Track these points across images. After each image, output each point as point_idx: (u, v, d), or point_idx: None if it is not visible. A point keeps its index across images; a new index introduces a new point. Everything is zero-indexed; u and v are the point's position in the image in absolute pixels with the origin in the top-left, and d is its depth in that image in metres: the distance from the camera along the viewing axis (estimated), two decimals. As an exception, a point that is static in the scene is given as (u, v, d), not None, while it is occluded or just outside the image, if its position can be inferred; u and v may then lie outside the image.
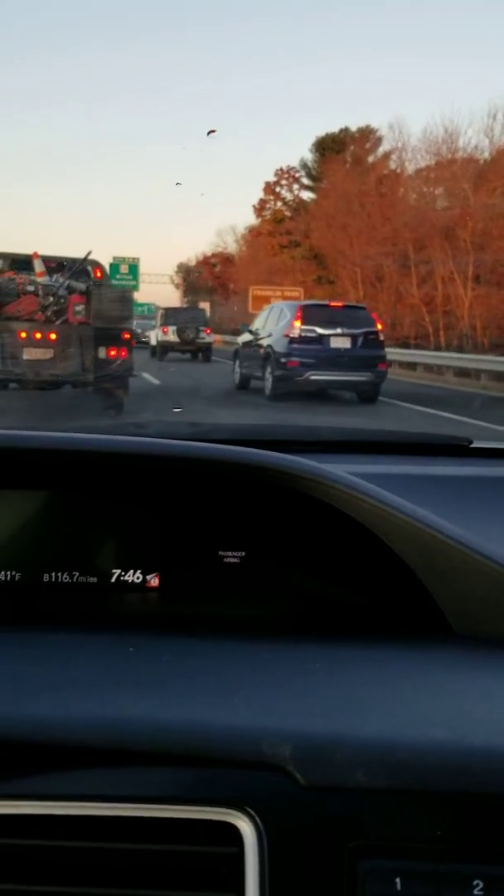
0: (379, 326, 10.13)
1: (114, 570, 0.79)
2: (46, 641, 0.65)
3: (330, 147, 37.67)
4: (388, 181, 30.58)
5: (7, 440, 0.69)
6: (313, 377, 9.39)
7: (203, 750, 0.53)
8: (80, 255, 7.37)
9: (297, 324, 9.61)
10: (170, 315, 21.35)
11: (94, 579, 0.78)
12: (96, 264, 7.63)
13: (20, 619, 0.72)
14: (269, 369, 9.70)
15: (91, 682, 0.58)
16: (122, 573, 0.79)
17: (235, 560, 0.80)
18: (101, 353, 6.79)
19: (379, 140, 34.81)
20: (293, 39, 57.43)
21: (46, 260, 7.33)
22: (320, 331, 9.59)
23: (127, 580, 0.79)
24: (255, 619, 0.73)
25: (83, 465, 0.72)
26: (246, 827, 0.51)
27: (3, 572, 0.78)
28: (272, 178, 42.17)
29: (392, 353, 19.19)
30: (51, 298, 7.00)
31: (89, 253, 7.38)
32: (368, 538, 0.70)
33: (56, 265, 7.39)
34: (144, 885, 0.51)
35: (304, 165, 39.82)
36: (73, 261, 7.43)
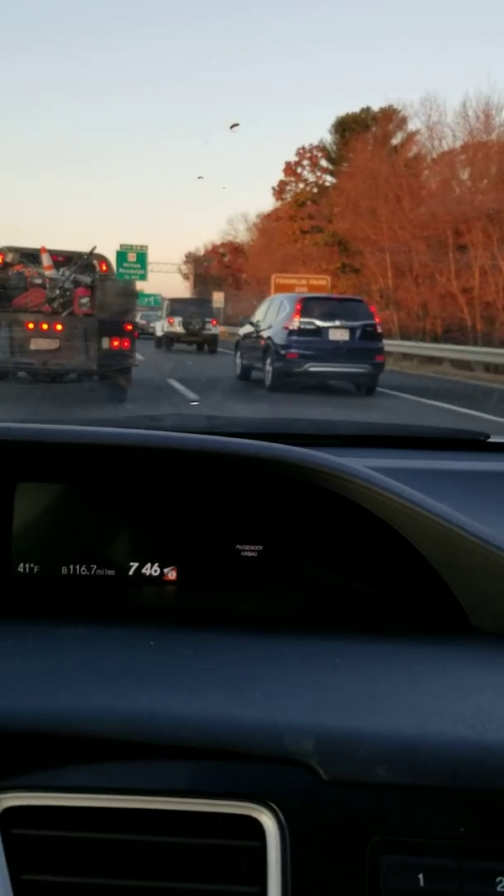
0: (377, 319, 10.69)
1: (132, 563, 0.82)
2: (69, 635, 0.68)
3: (351, 128, 36.52)
4: (417, 162, 29.18)
5: (26, 434, 0.73)
6: (312, 369, 9.86)
7: (226, 744, 0.55)
8: (87, 245, 8.08)
9: (297, 316, 10.09)
10: (176, 306, 21.96)
11: (111, 572, 0.82)
12: (101, 258, 8.30)
13: (40, 612, 0.75)
14: (269, 361, 10.19)
15: (114, 675, 0.61)
16: (140, 566, 0.82)
17: (253, 554, 0.82)
18: (105, 343, 7.45)
19: (403, 120, 33.84)
20: (308, 23, 57.93)
21: (54, 254, 8.02)
22: (319, 323, 10.05)
23: (145, 573, 0.82)
24: (273, 613, 0.76)
25: (102, 458, 0.76)
26: (268, 821, 0.54)
27: (22, 564, 0.82)
28: (293, 159, 41.10)
29: (419, 347, 18.57)
30: (57, 291, 7.67)
31: (94, 248, 8.08)
32: (387, 533, 0.73)
33: (63, 259, 8.07)
34: (166, 876, 0.54)
35: (324, 148, 39.41)
36: (80, 255, 8.11)
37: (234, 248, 56.92)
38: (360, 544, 0.78)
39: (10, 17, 55.90)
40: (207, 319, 21.17)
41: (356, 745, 0.55)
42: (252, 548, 0.82)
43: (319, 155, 40.37)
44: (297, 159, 41.28)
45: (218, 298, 37.47)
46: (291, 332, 10.03)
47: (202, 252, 58.26)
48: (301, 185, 41.45)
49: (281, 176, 42.23)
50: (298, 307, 10.23)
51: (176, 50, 62.83)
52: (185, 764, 0.55)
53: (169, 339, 21.08)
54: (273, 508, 0.82)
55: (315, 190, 40.35)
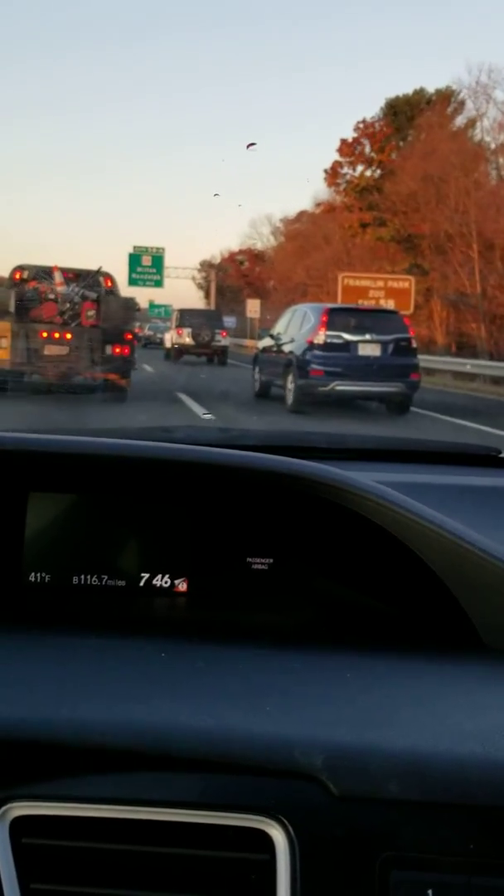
0: (411, 332, 10.52)
1: (142, 574, 0.90)
2: (81, 646, 0.75)
3: (403, 111, 35.05)
4: (481, 149, 27.44)
5: (40, 444, 0.81)
6: (339, 387, 9.69)
7: (237, 757, 0.61)
8: (99, 258, 10.41)
9: (322, 329, 9.84)
10: (185, 316, 23.80)
11: (122, 583, 0.90)
12: (106, 275, 10.52)
13: (52, 622, 0.83)
14: (290, 377, 10.03)
15: (126, 687, 0.68)
16: (151, 577, 0.90)
17: (263, 567, 0.91)
18: (108, 350, 9.60)
19: (461, 104, 32.18)
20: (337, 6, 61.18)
21: (64, 271, 10.25)
22: (347, 337, 9.85)
23: (155, 584, 0.90)
24: (283, 627, 0.84)
25: (114, 469, 0.85)
26: (278, 835, 0.59)
27: (33, 574, 0.90)
28: (349, 136, 37.90)
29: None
30: (67, 305, 9.88)
31: (100, 267, 10.30)
32: (397, 548, 0.80)
33: (73, 276, 10.30)
34: (175, 888, 0.59)
35: (388, 123, 36.39)
36: (87, 272, 10.34)
37: (253, 256, 57.60)
38: (371, 559, 0.85)
39: (41, 27, 60.64)
40: (217, 331, 23.01)
41: (367, 761, 0.60)
42: (262, 561, 0.91)
43: (384, 129, 36.29)
44: (355, 136, 37.94)
45: (252, 307, 37.35)
46: (316, 347, 9.82)
47: (218, 260, 59.17)
48: (359, 169, 38.16)
49: (336, 156, 38.58)
50: (324, 319, 9.97)
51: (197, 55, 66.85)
52: (196, 776, 0.61)
53: (178, 351, 22.86)
54: (283, 521, 0.90)
55: (378, 173, 36.52)
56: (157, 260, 42.58)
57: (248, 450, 0.85)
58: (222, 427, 2.08)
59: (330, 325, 9.97)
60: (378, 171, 36.90)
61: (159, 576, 0.90)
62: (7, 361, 9.43)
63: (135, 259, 42.71)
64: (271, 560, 0.90)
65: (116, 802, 0.60)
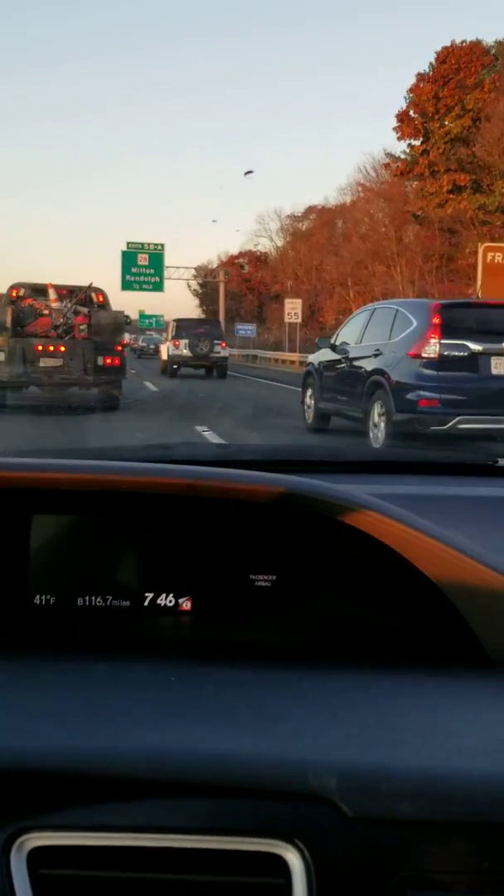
0: None
1: (146, 594, 0.99)
2: (91, 671, 0.82)
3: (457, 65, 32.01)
4: None
5: (41, 469, 0.91)
6: (464, 425, 7.03)
7: (250, 782, 0.67)
8: (90, 273, 12.44)
9: (434, 335, 7.29)
10: (182, 327, 24.69)
11: (127, 603, 0.99)
12: (98, 291, 12.54)
13: (61, 646, 0.91)
14: (377, 408, 7.66)
15: (138, 713, 0.74)
16: (155, 597, 0.99)
17: (266, 584, 0.99)
18: (99, 361, 11.55)
19: None
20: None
21: (58, 288, 12.28)
22: (473, 347, 7.25)
23: (160, 604, 0.99)
24: (289, 645, 0.93)
25: (115, 491, 0.92)
26: (294, 858, 0.65)
27: (38, 596, 0.99)
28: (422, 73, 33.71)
29: None
30: (61, 320, 11.87)
31: (91, 283, 12.33)
32: (399, 562, 0.87)
33: (66, 292, 12.32)
34: None
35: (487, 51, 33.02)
36: (80, 288, 12.37)
37: (255, 259, 58.26)
38: (374, 574, 0.92)
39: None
40: (216, 342, 24.01)
41: (378, 781, 0.66)
42: (265, 577, 0.99)
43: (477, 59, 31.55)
44: (436, 66, 33.20)
45: (292, 309, 33.66)
46: (425, 362, 7.27)
47: (215, 264, 58.98)
48: (446, 121, 32.36)
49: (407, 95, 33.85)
50: (436, 320, 7.35)
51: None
52: (210, 801, 0.67)
53: (174, 364, 23.81)
54: (285, 538, 0.98)
55: (473, 119, 30.60)
56: (156, 259, 39.89)
57: (246, 465, 0.98)
58: (220, 443, 2.37)
59: (446, 330, 7.29)
60: (474, 114, 31.05)
61: (163, 595, 1.00)
62: (5, 373, 11.41)
63: (129, 258, 39.74)
64: (274, 577, 1.00)
65: (132, 830, 0.67)
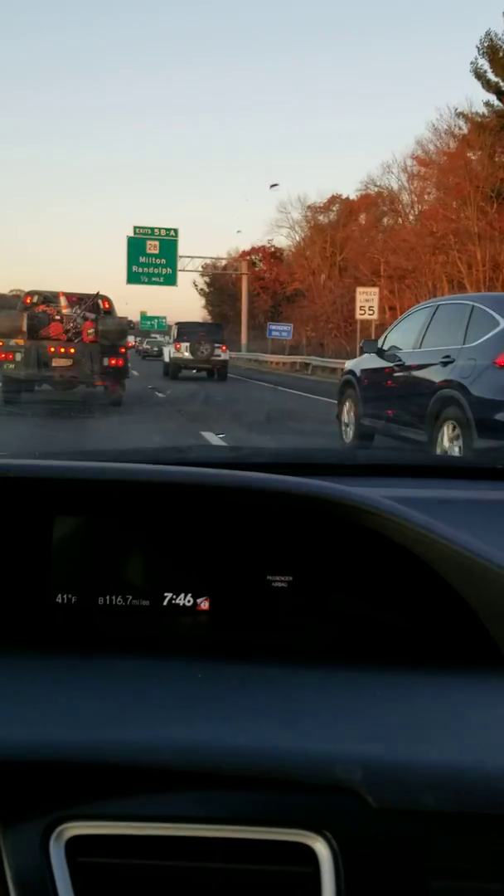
0: None
1: (165, 594, 1.10)
2: (120, 667, 0.93)
3: None
4: None
5: (62, 472, 1.01)
6: None
7: (279, 773, 0.75)
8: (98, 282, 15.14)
9: None
10: (183, 330, 27.70)
11: (146, 602, 1.10)
12: (104, 298, 15.33)
13: (84, 644, 1.02)
14: (448, 430, 6.92)
15: (169, 707, 0.84)
16: (174, 596, 1.10)
17: (283, 584, 1.09)
18: (105, 362, 14.29)
19: None
20: None
21: (68, 296, 15.06)
22: None
23: (178, 603, 1.10)
24: (306, 644, 1.03)
25: (134, 492, 1.03)
26: (322, 848, 0.74)
27: (60, 595, 1.10)
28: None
29: None
30: (71, 324, 14.61)
31: (98, 292, 15.11)
32: (414, 563, 0.97)
33: (75, 299, 15.09)
34: None
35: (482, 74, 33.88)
36: (88, 296, 15.12)
37: (269, 255, 57.70)
38: (389, 574, 1.03)
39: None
40: (217, 345, 26.89)
41: (402, 774, 0.75)
42: (282, 578, 1.09)
43: None
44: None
45: (366, 300, 29.33)
46: None
47: (224, 262, 58.43)
48: None
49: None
50: None
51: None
52: (241, 793, 0.75)
53: (176, 366, 26.77)
54: (301, 539, 1.09)
55: None
56: (168, 247, 37.63)
57: (259, 468, 1.09)
58: (233, 446, 2.40)
59: None
60: None
61: (182, 595, 1.10)
62: (21, 372, 14.11)
63: (136, 246, 37.67)
64: (291, 578, 1.09)
65: (164, 820, 0.75)
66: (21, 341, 14.20)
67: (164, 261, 37.46)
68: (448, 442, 6.97)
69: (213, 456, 1.71)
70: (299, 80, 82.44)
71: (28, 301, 15.25)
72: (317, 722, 0.82)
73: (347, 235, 47.05)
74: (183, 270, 41.09)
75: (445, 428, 7.01)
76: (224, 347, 27.67)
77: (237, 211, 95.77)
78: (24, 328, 14.41)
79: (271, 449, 2.66)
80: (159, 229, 37.75)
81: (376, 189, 44.88)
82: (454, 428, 6.89)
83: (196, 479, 1.00)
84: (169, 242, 37.51)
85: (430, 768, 0.76)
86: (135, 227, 37.76)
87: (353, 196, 50.31)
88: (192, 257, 43.11)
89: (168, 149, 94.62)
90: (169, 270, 38.11)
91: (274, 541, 1.10)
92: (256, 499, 1.01)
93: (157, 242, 37.24)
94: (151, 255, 37.09)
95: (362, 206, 48.26)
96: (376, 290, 31.74)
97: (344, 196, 51.45)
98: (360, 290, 31.03)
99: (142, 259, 37.45)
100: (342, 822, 0.75)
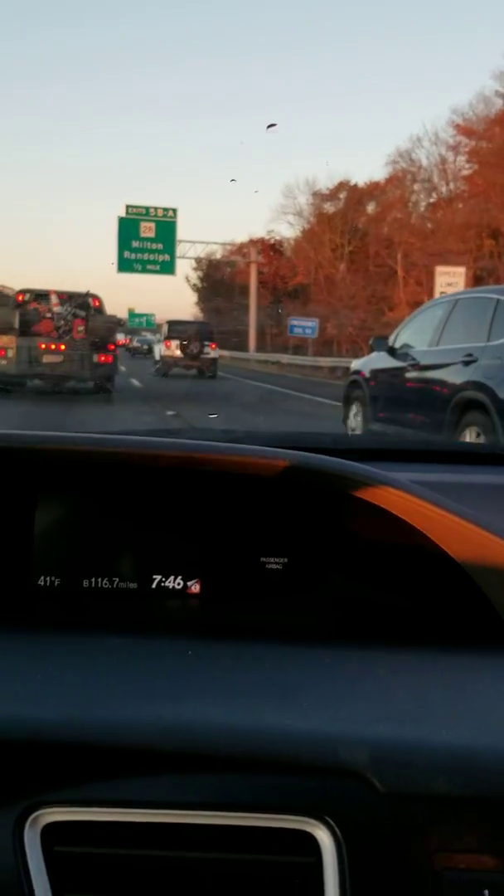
0: None
1: (154, 576, 1.11)
2: (104, 646, 0.92)
3: None
4: None
5: (48, 442, 0.99)
6: None
7: (276, 755, 0.73)
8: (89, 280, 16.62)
9: None
10: (174, 328, 29.43)
11: (134, 585, 1.10)
12: (94, 297, 16.83)
13: (66, 625, 1.02)
14: (471, 437, 6.78)
15: (157, 685, 0.82)
16: (163, 579, 1.10)
17: (278, 566, 1.11)
18: (95, 358, 15.78)
19: None
20: None
21: (59, 294, 16.54)
22: None
23: (167, 586, 1.10)
24: (302, 626, 1.04)
25: (123, 468, 1.03)
26: (324, 836, 0.72)
27: (43, 577, 1.10)
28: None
29: None
30: (62, 322, 16.08)
31: (88, 291, 16.61)
32: (418, 542, 0.99)
33: (66, 297, 16.55)
34: (217, 895, 0.71)
35: None
36: (78, 294, 16.56)
37: (268, 247, 55.35)
38: (389, 555, 1.05)
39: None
40: (206, 342, 28.70)
41: (411, 756, 0.73)
42: (277, 560, 1.11)
43: None
44: None
45: (448, 281, 24.73)
46: None
47: (219, 255, 56.55)
48: None
49: None
50: None
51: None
52: (236, 777, 0.73)
53: (167, 364, 28.51)
54: (297, 519, 1.11)
55: None
56: (166, 230, 34.30)
57: None
58: (226, 428, 2.28)
59: None
60: None
61: (171, 577, 1.10)
62: (13, 368, 15.51)
63: (128, 228, 34.16)
64: (286, 559, 1.11)
65: (151, 806, 0.73)
66: (13, 338, 15.61)
67: (160, 246, 34.05)
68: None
69: (204, 437, 1.68)
70: (301, 65, 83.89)
71: (20, 299, 16.76)
72: (318, 701, 0.81)
73: (371, 218, 44.86)
74: (183, 257, 38.20)
75: (467, 434, 6.69)
76: (214, 345, 29.40)
77: (236, 206, 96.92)
78: (17, 325, 15.84)
79: (266, 432, 2.65)
80: (155, 209, 34.12)
81: (401, 167, 42.55)
82: (478, 434, 6.56)
83: (189, 451, 1.01)
84: (166, 224, 33.98)
85: (441, 750, 0.75)
86: (127, 207, 34.13)
87: (379, 175, 49.37)
88: (192, 242, 39.64)
89: (163, 132, 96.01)
90: (166, 257, 34.62)
91: (268, 521, 1.11)
92: (252, 474, 1.02)
93: (152, 224, 33.63)
94: (146, 240, 33.76)
95: (372, 193, 47.51)
96: (462, 269, 27.47)
97: (352, 182, 50.72)
98: (440, 269, 26.97)
99: (135, 244, 33.99)
100: (346, 808, 0.73)
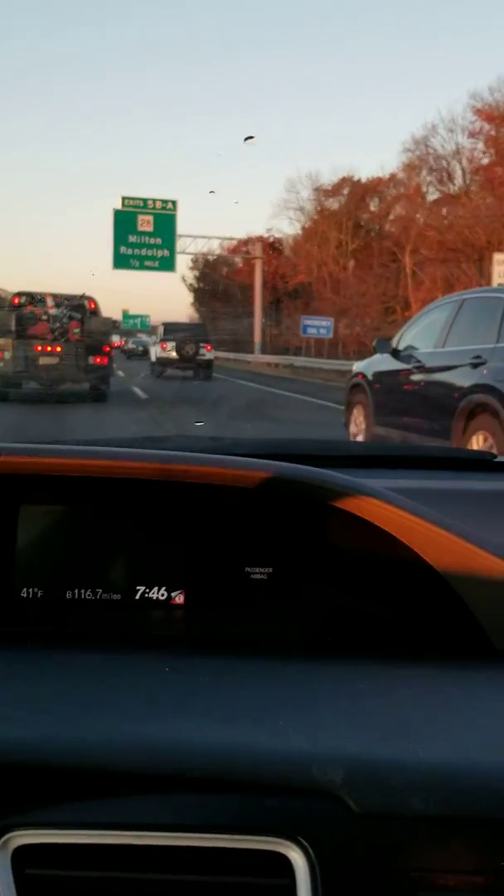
0: None
1: (138, 587, 1.12)
2: (81, 662, 0.94)
3: None
4: None
5: (30, 454, 1.02)
6: None
7: (250, 776, 0.74)
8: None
9: None
10: (169, 330, 30.30)
11: (117, 596, 1.12)
12: (90, 299, 17.49)
13: (49, 638, 1.03)
14: (478, 442, 6.77)
15: (130, 704, 0.84)
16: (147, 590, 1.12)
17: (262, 577, 1.12)
18: (90, 360, 16.43)
19: None
20: None
21: (55, 297, 17.17)
22: None
23: (151, 597, 1.12)
24: (286, 638, 1.06)
25: (106, 479, 1.05)
26: (297, 857, 0.73)
27: (25, 589, 1.11)
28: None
29: None
30: (57, 324, 16.72)
31: (84, 293, 17.19)
32: (402, 553, 1.01)
33: (62, 300, 17.13)
34: None
35: None
36: (73, 297, 17.20)
37: (267, 245, 54.07)
38: (374, 566, 1.07)
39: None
40: (202, 344, 29.52)
41: (387, 775, 0.74)
42: (261, 570, 1.12)
43: None
44: None
45: None
46: None
47: (218, 251, 54.98)
48: None
49: None
50: None
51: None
52: (207, 797, 0.74)
53: (162, 365, 29.50)
54: (282, 530, 1.12)
55: None
56: (165, 223, 33.21)
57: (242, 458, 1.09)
58: (214, 436, 2.43)
59: None
60: None
61: (155, 588, 1.12)
62: (10, 369, 16.12)
63: (125, 221, 33.13)
64: (270, 569, 1.12)
65: (124, 828, 0.74)
66: (9, 341, 16.24)
67: (159, 240, 32.94)
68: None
69: (192, 445, 1.73)
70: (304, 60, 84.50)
71: (16, 301, 17.38)
72: (293, 719, 0.83)
73: (377, 214, 44.10)
74: (183, 253, 37.06)
75: (475, 440, 6.62)
76: (209, 347, 30.28)
77: (235, 205, 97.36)
78: (13, 327, 16.47)
79: (253, 439, 2.63)
80: (154, 200, 32.93)
81: (417, 154, 41.16)
82: (486, 439, 6.51)
83: (168, 463, 1.05)
84: (165, 217, 32.82)
85: (418, 768, 0.76)
86: (123, 198, 32.93)
87: (391, 166, 49.32)
88: (193, 237, 38.43)
89: (162, 129, 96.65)
90: (166, 252, 33.56)
91: (253, 532, 1.13)
92: (246, 485, 1.05)
93: (150, 217, 32.64)
94: (144, 234, 32.69)
95: (376, 188, 46.99)
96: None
97: (355, 178, 50.71)
98: (498, 256, 24.96)
99: (132, 238, 32.93)
100: (320, 829, 0.74)
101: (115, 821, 0.74)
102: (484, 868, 0.72)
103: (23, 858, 0.73)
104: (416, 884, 0.72)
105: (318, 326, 37.59)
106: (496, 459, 1.85)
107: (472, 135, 38.57)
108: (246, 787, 0.75)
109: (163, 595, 1.13)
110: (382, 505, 1.00)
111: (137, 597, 1.13)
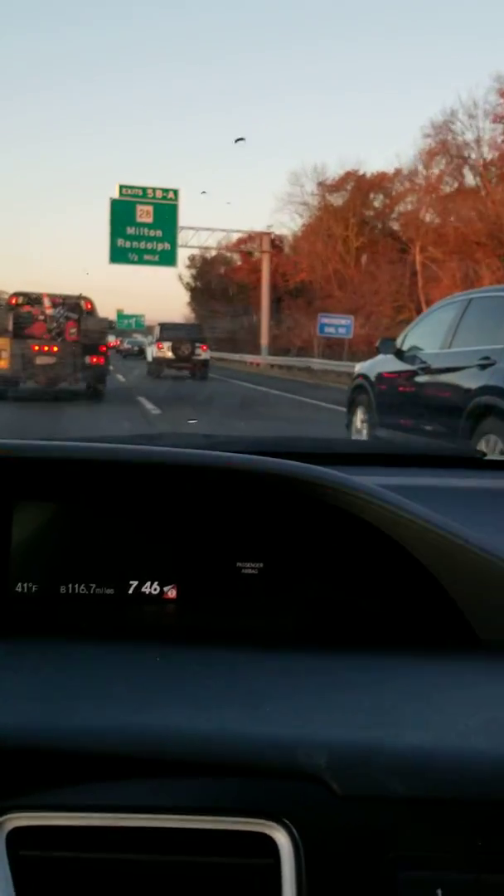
0: None
1: (131, 582, 1.17)
2: (73, 652, 0.99)
3: None
4: None
5: (22, 450, 1.05)
6: None
7: (237, 760, 0.79)
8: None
9: None
10: (165, 331, 31.23)
11: (111, 591, 1.17)
12: (86, 300, 18.11)
13: (41, 631, 1.08)
14: (486, 445, 6.61)
15: (122, 692, 0.89)
16: (140, 584, 1.17)
17: (254, 571, 1.16)
18: (87, 360, 17.07)
19: None
20: None
21: (52, 297, 17.79)
22: None
23: (144, 591, 1.17)
24: (276, 631, 1.11)
25: (100, 475, 1.10)
26: (282, 838, 0.77)
27: (20, 584, 1.16)
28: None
29: None
30: (54, 324, 17.34)
31: (80, 294, 17.83)
32: (389, 547, 1.06)
33: (59, 300, 17.80)
34: None
35: None
36: (70, 297, 17.83)
37: (269, 242, 52.01)
38: (363, 560, 1.12)
39: None
40: (198, 345, 30.47)
41: (370, 759, 0.79)
42: (253, 565, 1.17)
43: None
44: None
45: None
46: None
47: (214, 252, 55.38)
48: None
49: None
50: None
51: None
52: (196, 780, 0.79)
53: (159, 365, 30.32)
54: (273, 525, 1.17)
55: None
56: (166, 214, 31.80)
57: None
58: (207, 433, 2.41)
59: None
60: None
61: (148, 583, 1.17)
62: (7, 369, 16.73)
63: (122, 211, 31.64)
64: (262, 564, 1.17)
65: (116, 810, 0.78)
66: (6, 341, 16.84)
67: (159, 232, 31.39)
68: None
69: (186, 443, 1.76)
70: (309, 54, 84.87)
71: (13, 302, 18.00)
72: (280, 707, 0.87)
73: (390, 205, 43.12)
74: (185, 246, 36.17)
75: (483, 443, 6.56)
76: (205, 347, 31.14)
77: (235, 203, 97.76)
78: (10, 327, 17.07)
79: (247, 437, 2.67)
80: (153, 189, 31.45)
81: (435, 142, 39.45)
82: (497, 441, 6.46)
83: (164, 458, 1.09)
84: (166, 208, 31.36)
85: (400, 753, 0.80)
86: (120, 187, 31.25)
87: (406, 155, 49.66)
88: (196, 229, 37.22)
89: (161, 124, 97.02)
90: (166, 245, 32.19)
91: (244, 527, 1.17)
92: (237, 481, 1.10)
93: (150, 208, 31.21)
94: (143, 225, 31.14)
95: (380, 183, 46.55)
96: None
97: (360, 172, 50.24)
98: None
99: (130, 230, 31.44)
100: (304, 811, 0.78)
101: (108, 803, 0.79)
102: (462, 847, 0.78)
103: (17, 841, 0.78)
104: (397, 863, 0.78)
105: (338, 325, 35.39)
106: (486, 458, 2.00)
107: (497, 119, 37.19)
108: (234, 772, 0.80)
109: (155, 590, 1.18)
110: (369, 499, 1.06)
111: (131, 591, 1.17)
